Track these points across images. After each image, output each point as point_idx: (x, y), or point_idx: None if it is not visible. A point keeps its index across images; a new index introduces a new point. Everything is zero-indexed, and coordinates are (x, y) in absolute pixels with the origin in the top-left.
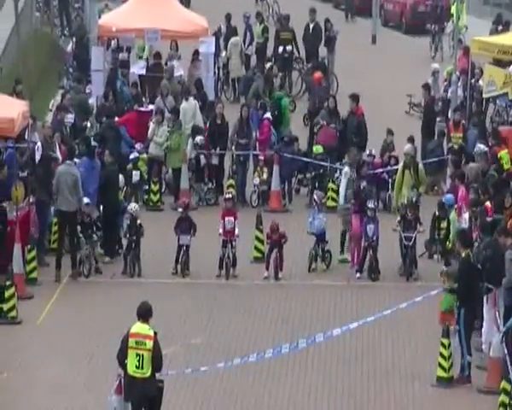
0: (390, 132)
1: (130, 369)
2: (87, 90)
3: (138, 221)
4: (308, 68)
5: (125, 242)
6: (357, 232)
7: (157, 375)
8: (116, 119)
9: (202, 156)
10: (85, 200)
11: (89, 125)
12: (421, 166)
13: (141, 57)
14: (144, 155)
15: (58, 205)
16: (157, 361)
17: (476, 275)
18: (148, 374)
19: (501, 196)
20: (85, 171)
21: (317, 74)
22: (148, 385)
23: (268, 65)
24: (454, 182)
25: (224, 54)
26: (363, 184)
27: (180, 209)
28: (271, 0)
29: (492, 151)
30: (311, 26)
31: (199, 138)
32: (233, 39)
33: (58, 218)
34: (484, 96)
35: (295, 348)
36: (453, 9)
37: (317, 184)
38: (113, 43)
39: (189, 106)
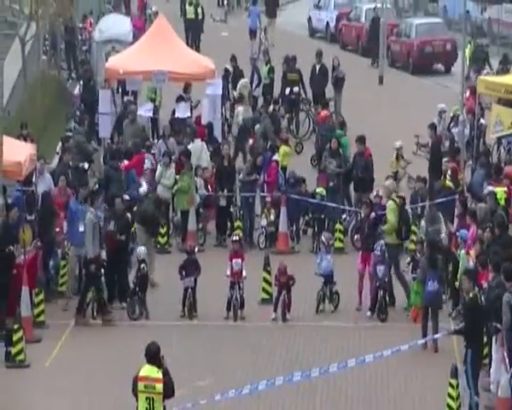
0: (419, 179)
1: None
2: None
3: (143, 265)
4: (316, 108)
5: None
6: (360, 271)
7: None
8: (125, 162)
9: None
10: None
11: (86, 166)
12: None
13: (152, 99)
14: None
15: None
16: (168, 392)
17: (483, 315)
18: None
19: (507, 235)
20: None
21: (324, 113)
22: None
23: (271, 107)
24: (462, 221)
25: (234, 93)
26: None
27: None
28: (263, 37)
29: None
30: (318, 67)
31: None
32: (243, 81)
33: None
34: (491, 136)
35: (308, 376)
36: (467, 52)
37: (326, 225)
38: (114, 86)
39: (195, 148)
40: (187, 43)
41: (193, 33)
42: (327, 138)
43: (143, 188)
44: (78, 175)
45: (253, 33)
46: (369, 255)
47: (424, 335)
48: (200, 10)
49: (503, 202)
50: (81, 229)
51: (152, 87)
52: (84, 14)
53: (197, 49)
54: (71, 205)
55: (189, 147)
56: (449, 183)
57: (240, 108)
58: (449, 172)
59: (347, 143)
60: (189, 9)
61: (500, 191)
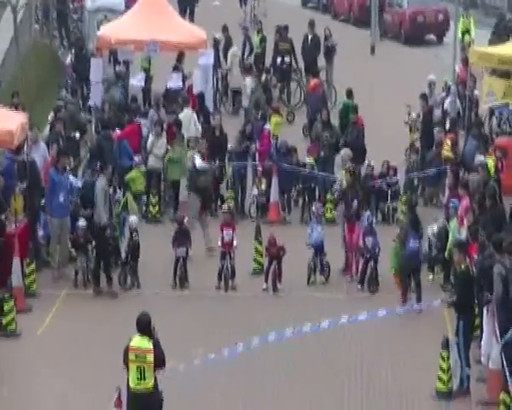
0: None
1: (132, 382)
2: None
3: (134, 234)
4: (308, 78)
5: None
6: (349, 241)
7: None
8: (118, 131)
9: None
10: (81, 222)
11: (77, 135)
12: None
13: (146, 69)
14: (143, 167)
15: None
16: (159, 362)
17: (474, 287)
18: (151, 386)
19: (498, 207)
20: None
21: (314, 81)
22: (151, 398)
23: (263, 76)
24: (453, 192)
25: (225, 65)
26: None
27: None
28: (253, 5)
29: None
30: (310, 37)
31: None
32: (232, 50)
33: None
34: (483, 105)
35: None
36: (460, 24)
37: (317, 195)
38: (106, 55)
39: (184, 117)
40: (180, 15)
41: (187, 4)
42: (343, 110)
43: (137, 158)
44: (70, 145)
45: (243, 0)
46: (353, 226)
47: (405, 297)
48: None
49: (493, 172)
50: (61, 199)
51: (146, 57)
52: None
53: (191, 21)
54: (52, 175)
55: (179, 116)
56: (448, 153)
57: (248, 79)
58: (448, 142)
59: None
60: None
61: (490, 161)
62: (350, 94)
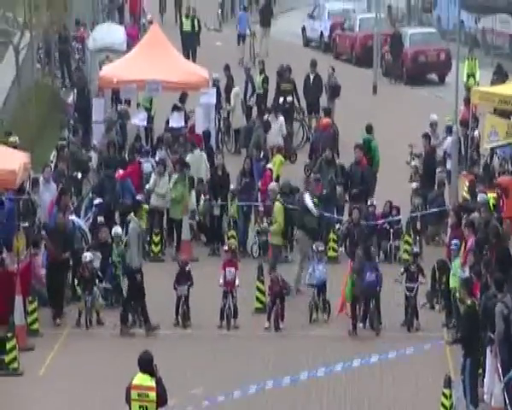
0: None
1: None
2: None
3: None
4: (310, 118)
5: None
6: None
7: None
8: (120, 171)
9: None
10: (87, 254)
11: (79, 175)
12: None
13: (147, 109)
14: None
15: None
16: (161, 400)
17: (480, 324)
18: None
19: (503, 247)
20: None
21: (325, 120)
22: None
23: (266, 116)
24: (455, 231)
25: (228, 106)
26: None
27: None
28: (251, 43)
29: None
30: (312, 77)
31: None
32: (235, 90)
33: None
34: (485, 146)
35: (296, 380)
36: (466, 67)
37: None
38: (109, 95)
39: (195, 158)
40: (184, 55)
41: (189, 46)
42: (364, 145)
43: (140, 196)
44: (73, 184)
45: (241, 38)
46: None
47: (355, 323)
48: (196, 23)
49: (493, 210)
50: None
51: (146, 97)
52: (79, 23)
53: (194, 61)
54: (55, 215)
55: (188, 157)
56: (466, 195)
57: (281, 118)
58: (466, 183)
59: (377, 146)
60: (186, 22)
61: (492, 199)
62: (370, 129)
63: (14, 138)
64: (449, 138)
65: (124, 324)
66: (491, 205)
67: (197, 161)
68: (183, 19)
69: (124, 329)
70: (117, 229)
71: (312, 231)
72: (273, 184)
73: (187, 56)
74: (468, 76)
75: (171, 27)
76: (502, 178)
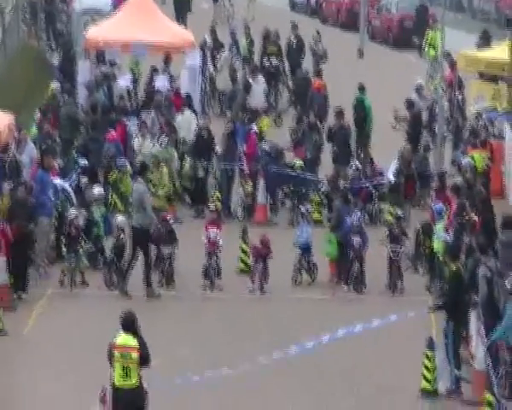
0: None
1: (117, 380)
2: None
3: (121, 235)
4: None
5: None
6: None
7: (144, 385)
8: (113, 132)
9: None
10: (73, 212)
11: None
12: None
13: (133, 70)
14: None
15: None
16: (144, 360)
17: (465, 288)
18: (136, 383)
19: (488, 211)
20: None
21: (318, 82)
22: (136, 395)
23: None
24: (438, 195)
25: (212, 68)
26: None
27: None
28: (228, 3)
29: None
30: (293, 40)
31: None
32: (225, 54)
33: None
34: (471, 109)
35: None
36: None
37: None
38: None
39: (184, 119)
40: (177, 21)
41: (181, 11)
42: (357, 105)
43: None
44: (66, 147)
45: None
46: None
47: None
48: None
49: (481, 167)
50: (51, 198)
51: (133, 59)
52: None
53: (185, 27)
54: (41, 175)
55: (178, 118)
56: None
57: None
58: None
59: (370, 105)
60: None
61: (478, 156)
62: (362, 89)
63: None
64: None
65: (149, 285)
66: (480, 163)
67: (188, 121)
68: None
69: (149, 291)
70: (99, 189)
71: None
72: None
73: (179, 21)
74: (430, 46)
75: None
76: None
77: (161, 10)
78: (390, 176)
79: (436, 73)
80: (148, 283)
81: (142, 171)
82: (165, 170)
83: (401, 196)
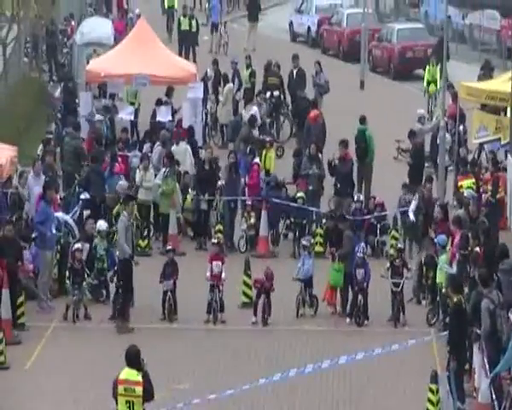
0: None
1: None
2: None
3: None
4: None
5: (112, 287)
6: None
7: None
8: (117, 165)
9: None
10: (76, 245)
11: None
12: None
13: (132, 103)
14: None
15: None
16: (148, 395)
17: (467, 321)
18: None
19: (491, 243)
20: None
21: (314, 112)
22: None
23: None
24: (441, 227)
25: (216, 100)
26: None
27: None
28: (223, 31)
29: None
30: (295, 71)
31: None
32: (229, 85)
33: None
34: (474, 141)
35: (285, 378)
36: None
37: (306, 229)
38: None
39: (179, 150)
40: (180, 55)
41: (187, 45)
42: (358, 136)
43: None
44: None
45: (215, 27)
46: None
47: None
48: (194, 23)
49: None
50: (53, 231)
51: (132, 91)
52: (66, 17)
53: (194, 61)
54: (44, 208)
55: (173, 149)
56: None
57: (254, 108)
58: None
59: (372, 136)
60: (184, 21)
61: (467, 183)
62: (364, 120)
63: None
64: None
65: (124, 319)
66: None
67: (182, 153)
68: (181, 18)
69: (123, 324)
70: (101, 223)
71: None
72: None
73: (183, 54)
74: (429, 82)
75: (157, 18)
76: (487, 175)
77: (168, 48)
78: (410, 215)
79: (436, 106)
80: (122, 315)
81: (125, 202)
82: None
83: (419, 233)
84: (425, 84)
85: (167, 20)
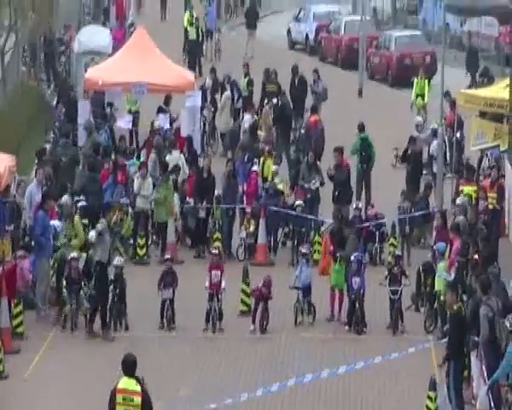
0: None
1: None
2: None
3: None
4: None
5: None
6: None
7: None
8: (119, 175)
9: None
10: (72, 254)
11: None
12: (76, 217)
13: (130, 111)
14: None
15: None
16: (146, 404)
17: (467, 328)
18: None
19: (490, 249)
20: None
21: (313, 117)
22: None
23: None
24: (440, 234)
25: (211, 108)
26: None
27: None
28: (216, 38)
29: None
30: (296, 80)
31: None
32: (226, 93)
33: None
34: (471, 148)
35: (284, 386)
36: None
37: (305, 237)
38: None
39: (172, 159)
40: (190, 64)
41: (194, 55)
42: (360, 145)
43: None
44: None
45: (209, 34)
46: None
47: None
48: (200, 32)
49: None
50: (50, 241)
51: (132, 99)
52: (66, 25)
53: (200, 72)
54: (42, 217)
55: (167, 158)
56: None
57: (247, 116)
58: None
59: (372, 143)
60: (191, 30)
61: (469, 190)
62: (363, 127)
63: None
64: (434, 141)
65: (107, 328)
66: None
67: (175, 162)
68: (188, 27)
69: (106, 333)
70: (93, 234)
71: None
72: None
73: (192, 64)
74: (417, 95)
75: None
76: (486, 180)
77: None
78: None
79: (425, 122)
80: (102, 323)
81: (105, 211)
82: (76, 219)
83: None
84: (413, 96)
85: None
